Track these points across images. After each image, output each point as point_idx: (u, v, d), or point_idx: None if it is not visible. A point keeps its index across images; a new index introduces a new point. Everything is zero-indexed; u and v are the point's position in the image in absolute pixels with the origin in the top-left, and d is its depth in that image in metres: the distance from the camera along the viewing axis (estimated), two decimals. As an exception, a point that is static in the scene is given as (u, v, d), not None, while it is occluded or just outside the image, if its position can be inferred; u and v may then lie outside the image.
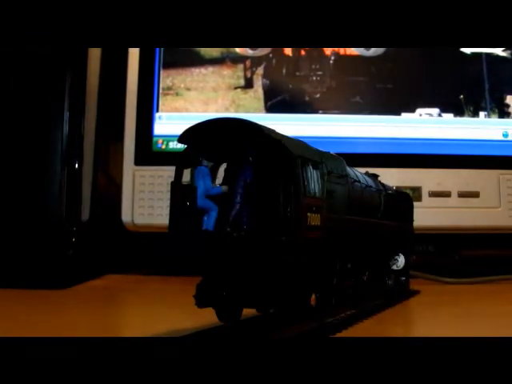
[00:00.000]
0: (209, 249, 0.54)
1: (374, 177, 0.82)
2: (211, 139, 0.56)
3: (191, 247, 0.54)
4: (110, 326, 0.71)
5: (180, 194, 0.54)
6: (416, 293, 0.94)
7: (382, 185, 0.83)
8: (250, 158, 0.56)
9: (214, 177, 0.57)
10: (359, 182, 0.70)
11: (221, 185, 0.56)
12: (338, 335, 0.61)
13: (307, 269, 0.58)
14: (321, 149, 0.62)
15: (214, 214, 0.54)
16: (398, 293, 0.86)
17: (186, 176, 0.55)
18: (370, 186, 0.75)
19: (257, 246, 0.52)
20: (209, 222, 0.54)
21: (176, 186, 0.55)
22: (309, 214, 0.53)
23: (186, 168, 0.56)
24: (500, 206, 1.16)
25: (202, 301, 0.54)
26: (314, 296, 0.61)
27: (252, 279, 0.53)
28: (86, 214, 1.11)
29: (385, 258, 0.82)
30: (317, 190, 0.56)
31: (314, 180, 0.56)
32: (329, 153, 0.64)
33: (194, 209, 0.54)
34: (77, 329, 0.68)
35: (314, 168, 0.56)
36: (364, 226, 0.70)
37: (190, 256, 0.54)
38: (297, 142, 0.56)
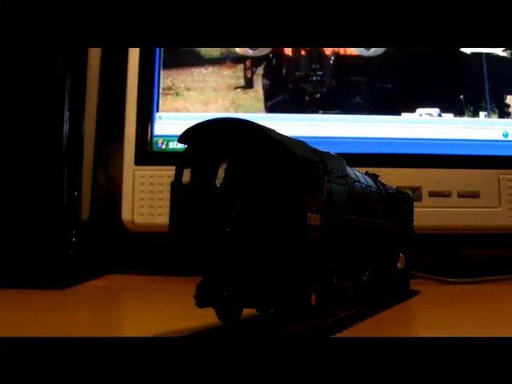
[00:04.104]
0: (209, 249, 0.54)
1: (374, 177, 0.82)
2: (211, 139, 0.56)
3: (191, 247, 0.54)
4: (110, 326, 0.71)
5: (180, 193, 0.54)
6: (416, 293, 0.94)
7: (382, 185, 0.83)
8: (250, 158, 0.56)
9: (214, 177, 0.57)
10: (359, 181, 0.70)
11: (221, 185, 0.56)
12: (338, 335, 0.61)
13: (307, 269, 0.58)
14: (321, 149, 0.62)
15: (213, 214, 0.54)
16: (398, 293, 0.86)
17: (186, 176, 0.55)
18: (370, 186, 0.75)
19: (256, 246, 0.52)
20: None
21: (176, 185, 0.55)
22: (309, 214, 0.53)
23: (186, 168, 0.56)
24: (500, 206, 1.16)
25: (202, 301, 0.54)
26: (313, 296, 0.61)
27: (252, 279, 0.53)
28: (85, 214, 1.11)
29: (385, 258, 0.82)
30: (317, 190, 0.56)
31: (314, 180, 0.55)
32: (329, 153, 0.64)
33: (194, 209, 0.54)
34: (77, 329, 0.68)
35: (314, 168, 0.56)
36: (364, 226, 0.70)
37: (190, 256, 0.54)
38: (297, 142, 0.56)
